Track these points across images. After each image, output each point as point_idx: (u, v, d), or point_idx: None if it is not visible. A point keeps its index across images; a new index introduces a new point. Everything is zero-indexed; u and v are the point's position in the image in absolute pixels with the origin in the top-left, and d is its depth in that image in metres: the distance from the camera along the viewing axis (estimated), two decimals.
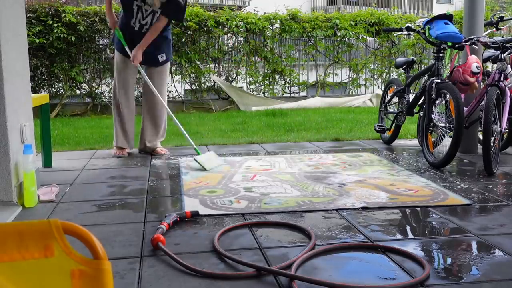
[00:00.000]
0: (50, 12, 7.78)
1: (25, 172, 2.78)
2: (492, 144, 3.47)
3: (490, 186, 3.17)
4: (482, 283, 1.80)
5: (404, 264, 1.95)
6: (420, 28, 4.10)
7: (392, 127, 4.71)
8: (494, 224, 2.44)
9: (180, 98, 8.72)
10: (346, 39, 9.20)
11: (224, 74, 8.94)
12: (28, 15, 7.48)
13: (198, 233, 2.35)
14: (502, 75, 3.64)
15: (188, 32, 8.38)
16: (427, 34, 3.97)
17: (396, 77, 9.23)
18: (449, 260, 2.01)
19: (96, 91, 8.30)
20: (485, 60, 4.28)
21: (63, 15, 7.72)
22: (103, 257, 0.94)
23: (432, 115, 3.87)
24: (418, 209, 2.70)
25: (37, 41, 7.52)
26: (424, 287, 1.76)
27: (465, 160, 3.99)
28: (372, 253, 2.09)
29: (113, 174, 3.55)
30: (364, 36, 9.42)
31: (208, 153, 3.94)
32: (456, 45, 3.89)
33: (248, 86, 9.03)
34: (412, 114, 4.45)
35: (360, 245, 2.17)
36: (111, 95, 4.32)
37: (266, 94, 9.05)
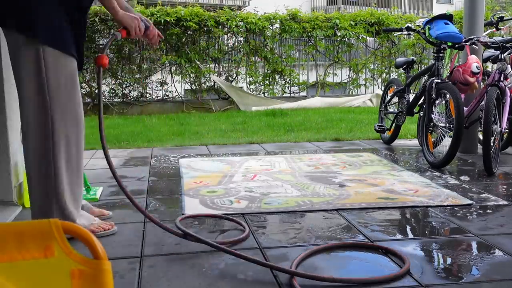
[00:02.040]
0: None
1: (25, 172, 2.78)
2: (492, 144, 3.47)
3: (490, 186, 3.17)
4: (482, 283, 1.80)
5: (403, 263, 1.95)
6: (420, 28, 4.10)
7: (392, 127, 4.71)
8: (494, 224, 2.44)
9: (180, 98, 8.72)
10: (346, 39, 9.20)
11: (224, 74, 8.94)
12: None
13: (198, 233, 2.34)
14: (502, 75, 3.64)
15: (188, 32, 8.38)
16: (427, 34, 3.97)
17: (396, 77, 9.23)
18: (449, 260, 2.01)
19: (96, 91, 8.30)
20: (485, 60, 4.28)
21: None
22: (103, 257, 0.94)
23: (432, 115, 3.87)
24: (418, 209, 2.70)
25: None
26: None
27: (465, 160, 3.99)
28: (370, 253, 2.09)
29: None
30: (364, 36, 9.42)
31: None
32: (456, 45, 3.90)
33: (248, 86, 9.03)
34: (412, 114, 4.46)
35: (356, 244, 2.18)
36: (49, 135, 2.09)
37: (266, 94, 9.05)
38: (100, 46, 8.21)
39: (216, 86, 8.73)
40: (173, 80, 8.69)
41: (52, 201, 2.14)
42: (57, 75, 2.06)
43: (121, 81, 8.31)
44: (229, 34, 8.89)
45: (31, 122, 2.10)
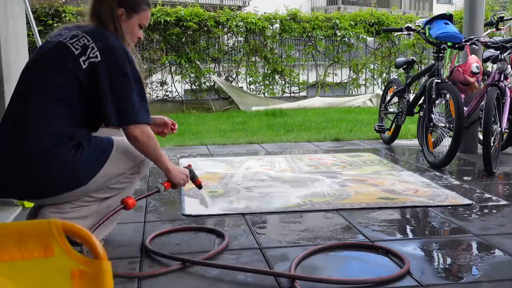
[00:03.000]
0: (50, 12, 7.77)
1: None
2: (492, 144, 3.47)
3: (490, 186, 3.17)
4: (482, 283, 1.80)
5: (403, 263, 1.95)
6: (420, 28, 4.10)
7: (392, 127, 4.71)
8: (494, 224, 2.44)
9: (180, 98, 8.71)
10: (346, 39, 9.20)
11: (224, 74, 8.94)
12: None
13: (198, 234, 2.35)
14: (502, 75, 3.64)
15: (188, 32, 8.38)
16: (427, 34, 3.97)
17: (396, 77, 9.22)
18: (449, 260, 2.01)
19: None
20: (485, 60, 4.27)
21: (63, 15, 7.72)
22: (103, 257, 0.94)
23: (432, 115, 3.86)
24: (418, 209, 2.70)
25: None
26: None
27: (465, 160, 3.99)
28: (370, 253, 2.09)
29: None
30: (364, 36, 9.42)
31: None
32: (456, 45, 3.89)
33: (248, 86, 9.03)
34: (412, 114, 4.45)
35: (356, 244, 2.18)
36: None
37: (266, 94, 9.05)
38: None
39: (216, 86, 8.73)
40: (173, 80, 8.69)
41: None
42: None
43: None
44: (229, 34, 8.89)
45: None
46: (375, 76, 9.69)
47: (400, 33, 4.33)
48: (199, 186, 2.34)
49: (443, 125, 3.80)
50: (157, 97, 8.71)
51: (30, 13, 3.31)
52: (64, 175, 1.91)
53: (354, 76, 9.60)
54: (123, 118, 1.95)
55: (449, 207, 2.71)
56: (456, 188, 3.12)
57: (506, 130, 3.74)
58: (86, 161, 1.94)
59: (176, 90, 8.73)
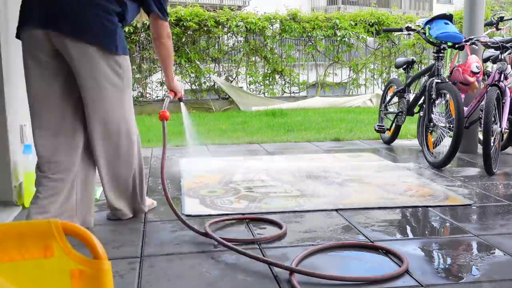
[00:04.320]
0: None
1: (25, 172, 2.78)
2: (492, 144, 3.47)
3: (490, 186, 3.17)
4: (482, 283, 1.80)
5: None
6: (420, 28, 4.10)
7: (392, 127, 4.71)
8: (494, 224, 2.44)
9: None
10: (346, 39, 9.20)
11: (224, 74, 8.94)
12: None
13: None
14: (502, 75, 3.64)
15: (188, 32, 8.38)
16: (427, 34, 3.97)
17: (396, 77, 9.22)
18: (449, 260, 2.01)
19: None
20: (485, 60, 4.27)
21: None
22: (103, 257, 0.94)
23: (432, 115, 3.87)
24: (418, 209, 2.70)
25: None
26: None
27: (465, 160, 3.99)
28: (370, 253, 2.09)
29: None
30: (364, 36, 9.42)
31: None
32: (456, 45, 3.89)
33: (248, 86, 9.03)
34: (412, 114, 4.46)
35: (355, 244, 2.18)
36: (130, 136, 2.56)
37: (266, 94, 9.05)
38: None
39: (216, 86, 8.73)
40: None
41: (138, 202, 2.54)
42: (129, 74, 2.38)
43: None
44: (229, 34, 8.89)
45: (120, 127, 2.40)
46: (375, 76, 9.69)
47: (400, 33, 4.33)
48: (180, 100, 2.90)
49: (443, 125, 3.80)
50: (157, 97, 8.71)
51: None
52: (105, 28, 2.20)
53: (354, 76, 9.60)
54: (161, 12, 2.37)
55: (449, 207, 2.71)
56: (456, 188, 3.12)
57: (506, 130, 3.74)
58: (122, 38, 2.29)
59: None
